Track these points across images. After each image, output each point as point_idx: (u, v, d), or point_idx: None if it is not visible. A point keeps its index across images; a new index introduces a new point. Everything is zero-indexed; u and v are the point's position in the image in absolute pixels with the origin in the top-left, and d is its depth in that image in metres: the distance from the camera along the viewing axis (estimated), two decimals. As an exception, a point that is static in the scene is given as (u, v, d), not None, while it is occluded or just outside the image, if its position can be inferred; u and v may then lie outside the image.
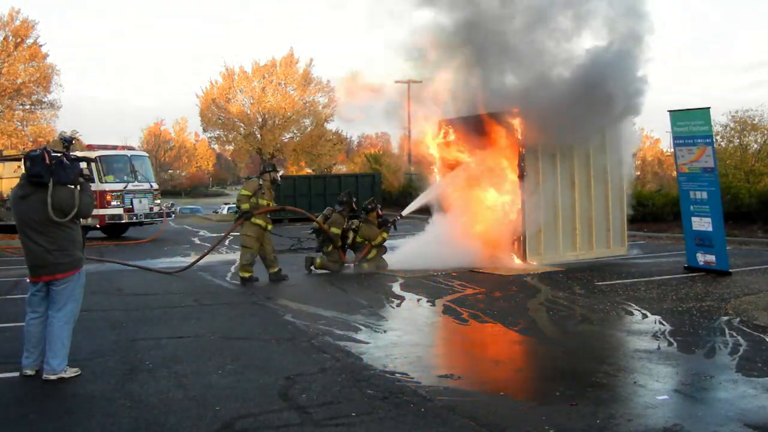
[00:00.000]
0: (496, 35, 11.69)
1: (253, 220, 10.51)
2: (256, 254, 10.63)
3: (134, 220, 18.84)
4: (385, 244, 12.00)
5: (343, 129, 42.46)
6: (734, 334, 6.57)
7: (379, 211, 12.11)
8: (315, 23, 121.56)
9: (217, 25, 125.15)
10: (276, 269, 10.73)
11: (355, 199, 12.23)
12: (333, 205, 12.40)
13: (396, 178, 32.73)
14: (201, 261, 11.91)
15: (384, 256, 11.92)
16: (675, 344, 6.25)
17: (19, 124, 31.03)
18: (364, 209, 12.07)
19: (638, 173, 40.01)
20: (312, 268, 11.56)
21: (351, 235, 11.81)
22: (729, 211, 15.66)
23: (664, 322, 7.15)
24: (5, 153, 20.78)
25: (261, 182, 10.74)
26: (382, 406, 4.62)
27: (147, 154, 22.21)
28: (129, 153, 19.92)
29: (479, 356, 6.08)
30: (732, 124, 27.59)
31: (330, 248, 11.66)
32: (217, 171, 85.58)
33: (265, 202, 10.69)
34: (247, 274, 10.50)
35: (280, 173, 11.25)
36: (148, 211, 19.20)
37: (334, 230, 11.49)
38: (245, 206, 10.58)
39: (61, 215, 5.33)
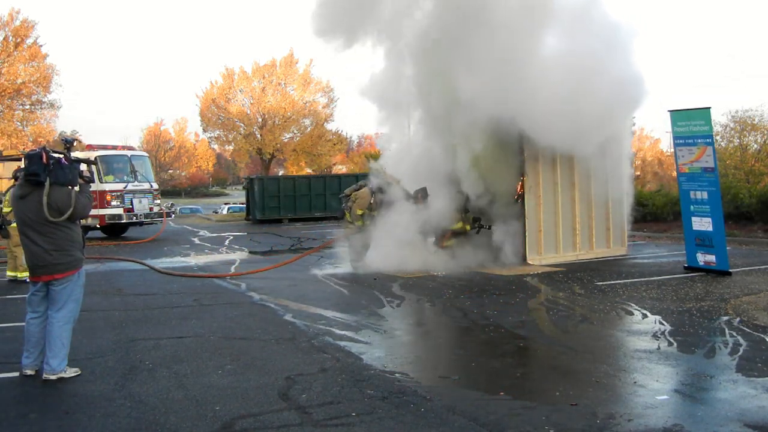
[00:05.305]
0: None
1: (357, 223, 11.72)
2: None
3: (134, 220, 18.85)
4: None
5: (342, 129, 42.58)
6: (734, 334, 6.57)
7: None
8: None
9: (216, 25, 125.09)
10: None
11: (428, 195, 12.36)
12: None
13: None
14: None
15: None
16: (675, 344, 6.25)
17: (19, 124, 31.00)
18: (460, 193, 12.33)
19: (638, 173, 40.02)
20: None
21: None
22: (729, 211, 15.66)
23: (664, 322, 7.15)
24: (5, 153, 20.77)
25: (372, 200, 11.76)
26: (382, 406, 4.62)
27: (147, 154, 22.23)
28: (129, 153, 19.95)
29: (479, 356, 6.08)
30: (732, 124, 27.54)
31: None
32: (217, 171, 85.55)
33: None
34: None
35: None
36: (148, 211, 19.20)
37: None
38: (360, 223, 11.67)
39: (57, 215, 5.33)
